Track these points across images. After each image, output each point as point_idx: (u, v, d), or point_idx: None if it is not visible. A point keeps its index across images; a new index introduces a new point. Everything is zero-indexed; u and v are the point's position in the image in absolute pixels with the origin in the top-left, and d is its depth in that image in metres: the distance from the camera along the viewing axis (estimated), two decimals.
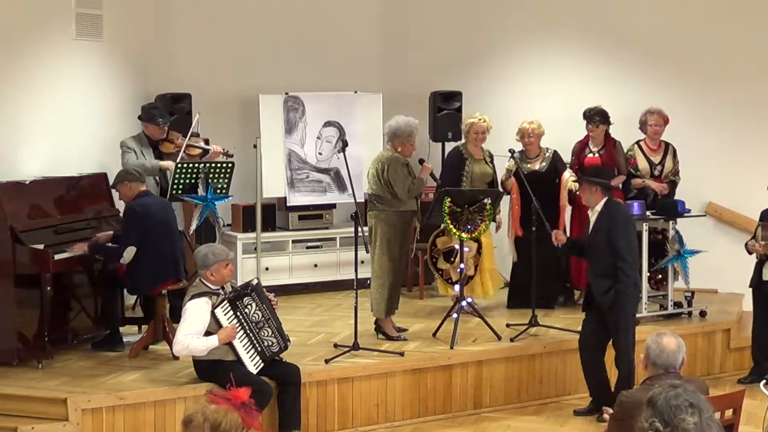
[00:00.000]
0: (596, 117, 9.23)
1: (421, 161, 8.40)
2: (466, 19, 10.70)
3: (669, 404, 3.49)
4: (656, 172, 9.27)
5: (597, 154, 9.28)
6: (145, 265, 7.55)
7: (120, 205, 8.23)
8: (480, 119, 8.86)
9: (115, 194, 8.06)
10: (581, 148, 9.32)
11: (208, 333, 6.73)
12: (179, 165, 8.31)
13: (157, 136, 8.67)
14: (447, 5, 10.81)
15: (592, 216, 7.54)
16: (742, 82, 9.82)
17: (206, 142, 9.24)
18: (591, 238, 7.54)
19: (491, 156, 9.01)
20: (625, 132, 9.44)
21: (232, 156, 8.96)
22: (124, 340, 7.92)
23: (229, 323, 6.75)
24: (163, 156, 8.67)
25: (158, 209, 7.74)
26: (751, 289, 8.34)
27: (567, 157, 9.46)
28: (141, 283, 7.70)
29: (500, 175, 9.07)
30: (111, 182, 8.13)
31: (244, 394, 4.31)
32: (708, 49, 9.90)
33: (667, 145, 9.32)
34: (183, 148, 8.60)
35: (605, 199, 7.46)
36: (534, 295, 8.43)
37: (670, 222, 8.70)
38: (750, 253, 8.20)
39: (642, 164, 9.29)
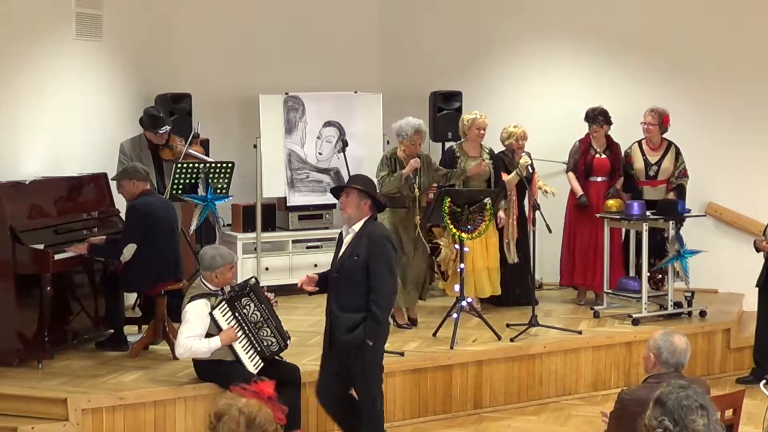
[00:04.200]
0: (600, 117, 9.22)
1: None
2: (466, 19, 10.70)
3: (680, 404, 3.51)
4: (651, 172, 9.25)
5: (603, 155, 9.27)
6: (144, 264, 7.53)
7: (120, 205, 8.22)
8: (482, 115, 8.84)
9: (115, 190, 8.02)
10: (585, 148, 9.28)
11: (209, 335, 6.71)
12: (179, 165, 8.31)
13: (156, 141, 8.63)
14: (446, 6, 10.81)
15: (347, 236, 6.35)
16: (742, 81, 9.82)
17: (206, 143, 9.22)
18: (341, 264, 6.31)
19: (491, 153, 8.93)
20: (625, 132, 9.43)
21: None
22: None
23: (228, 324, 6.72)
24: (162, 163, 8.63)
25: (161, 209, 7.73)
26: (757, 289, 8.25)
27: (564, 157, 9.46)
28: (138, 281, 7.67)
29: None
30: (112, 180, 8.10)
31: (270, 387, 4.12)
32: (708, 49, 9.89)
33: (670, 144, 9.30)
34: (182, 157, 8.56)
35: (367, 218, 6.33)
36: (534, 293, 8.40)
37: (671, 222, 8.69)
38: (758, 251, 8.17)
39: (637, 164, 9.29)
